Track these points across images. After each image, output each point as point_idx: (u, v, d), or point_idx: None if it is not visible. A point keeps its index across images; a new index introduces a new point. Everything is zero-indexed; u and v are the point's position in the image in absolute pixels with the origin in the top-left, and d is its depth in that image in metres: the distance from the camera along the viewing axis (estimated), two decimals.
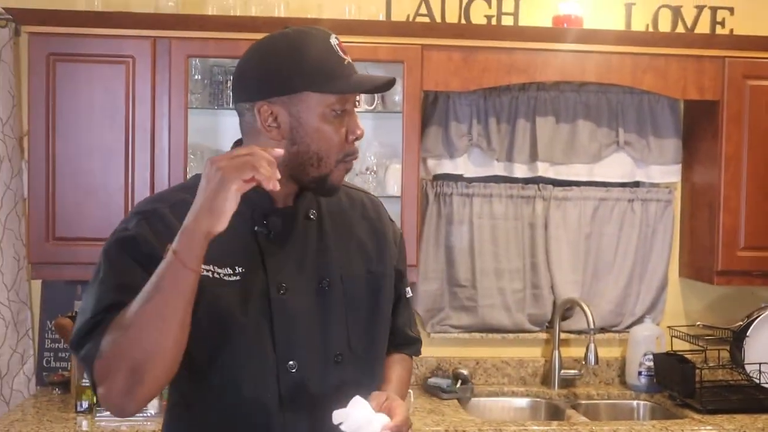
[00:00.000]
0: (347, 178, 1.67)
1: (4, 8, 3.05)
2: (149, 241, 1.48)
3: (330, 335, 1.59)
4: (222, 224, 1.34)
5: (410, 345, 1.84)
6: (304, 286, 1.58)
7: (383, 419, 1.48)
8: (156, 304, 1.36)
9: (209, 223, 1.34)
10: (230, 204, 1.34)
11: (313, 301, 1.58)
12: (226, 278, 1.51)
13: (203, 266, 1.43)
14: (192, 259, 1.36)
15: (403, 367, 1.81)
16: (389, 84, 1.58)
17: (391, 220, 1.81)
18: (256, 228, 1.56)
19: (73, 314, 3.13)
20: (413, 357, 1.88)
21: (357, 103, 1.61)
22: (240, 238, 1.54)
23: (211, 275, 1.50)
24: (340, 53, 1.52)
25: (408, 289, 1.81)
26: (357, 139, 1.56)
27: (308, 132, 1.51)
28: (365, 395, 1.55)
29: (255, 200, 1.54)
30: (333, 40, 1.53)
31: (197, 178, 1.64)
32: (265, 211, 1.57)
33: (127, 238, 1.49)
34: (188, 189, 1.57)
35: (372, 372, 1.68)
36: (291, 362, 1.54)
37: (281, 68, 1.50)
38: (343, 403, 1.50)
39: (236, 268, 1.52)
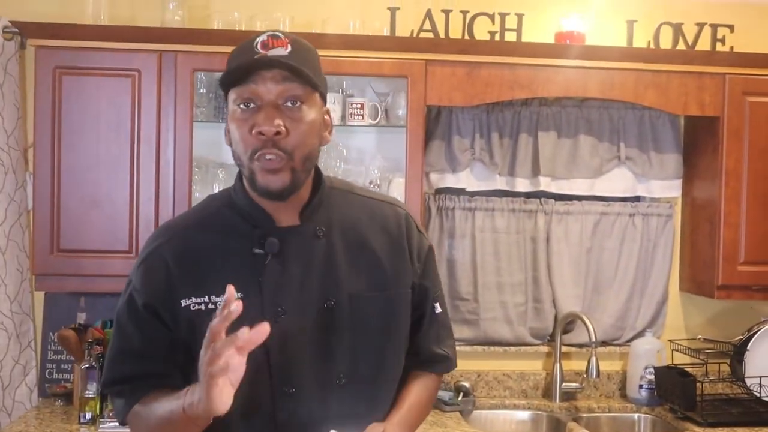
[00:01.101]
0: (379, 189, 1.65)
1: (10, 21, 3.07)
2: (148, 293, 1.55)
3: (333, 357, 1.55)
4: (223, 410, 1.30)
5: (436, 363, 1.74)
6: (306, 307, 1.54)
7: None
8: (171, 427, 1.45)
9: (212, 411, 1.31)
10: (225, 401, 1.30)
11: (314, 323, 1.54)
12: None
13: (196, 300, 1.50)
14: (202, 420, 1.38)
15: (424, 388, 1.72)
16: (280, 65, 1.45)
17: (420, 231, 1.72)
18: (254, 249, 1.54)
19: (76, 326, 3.14)
20: (442, 374, 1.80)
21: (295, 102, 1.48)
22: (240, 261, 1.54)
23: (204, 308, 1.51)
24: (257, 49, 1.47)
25: (437, 304, 1.72)
26: (262, 134, 1.46)
27: (230, 132, 1.53)
28: (371, 419, 1.54)
29: (257, 220, 1.56)
30: (260, 38, 1.49)
31: (210, 199, 1.68)
32: (265, 231, 1.55)
33: (131, 300, 1.57)
34: (194, 213, 1.65)
35: (379, 396, 1.63)
36: (288, 386, 1.52)
37: None
38: (350, 422, 1.48)
39: (236, 294, 1.48)
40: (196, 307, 1.51)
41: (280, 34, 1.51)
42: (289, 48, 1.49)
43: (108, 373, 1.60)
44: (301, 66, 1.48)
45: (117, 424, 2.78)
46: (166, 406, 1.44)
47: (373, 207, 1.68)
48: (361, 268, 1.60)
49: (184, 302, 1.52)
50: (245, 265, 1.53)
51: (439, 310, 1.73)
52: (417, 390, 1.70)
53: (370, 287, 1.60)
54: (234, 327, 1.47)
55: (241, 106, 1.49)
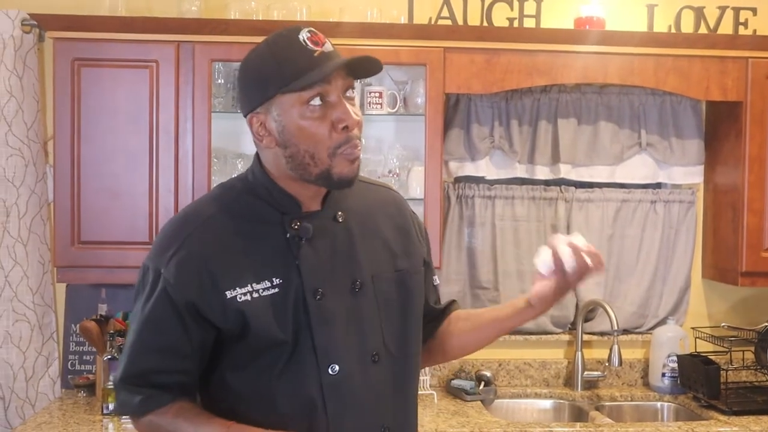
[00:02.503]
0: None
1: (29, 14, 3.08)
2: (188, 290, 1.53)
3: (366, 335, 1.61)
4: None
5: (449, 308, 1.87)
6: (338, 288, 1.59)
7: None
8: None
9: None
10: None
11: (347, 304, 1.59)
12: (264, 293, 1.54)
13: (241, 290, 1.52)
14: None
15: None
16: (361, 62, 1.52)
17: (412, 212, 1.81)
18: (288, 234, 1.57)
19: (98, 317, 3.15)
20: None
21: (352, 91, 1.55)
22: (273, 246, 1.57)
23: (250, 297, 1.53)
24: (310, 46, 1.50)
25: (435, 277, 1.83)
26: (348, 127, 1.51)
27: (293, 132, 1.51)
28: (403, 393, 1.64)
29: (285, 206, 1.59)
30: (303, 35, 1.51)
31: (225, 188, 1.68)
32: (295, 217, 1.58)
33: (165, 296, 1.54)
34: (214, 201, 1.64)
35: (407, 370, 1.69)
36: (332, 365, 1.56)
37: (255, 79, 1.54)
38: (385, 397, 1.60)
39: (273, 279, 1.54)
40: (243, 297, 1.53)
41: (314, 29, 1.54)
42: (328, 42, 1.54)
43: (130, 366, 1.58)
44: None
45: None
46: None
47: (374, 192, 1.76)
48: (377, 251, 1.67)
49: (229, 294, 1.53)
50: (280, 250, 1.56)
51: (437, 282, 1.85)
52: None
53: (387, 267, 1.67)
54: (280, 313, 1.54)
55: (311, 103, 1.50)
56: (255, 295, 1.53)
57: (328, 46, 1.52)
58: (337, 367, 1.56)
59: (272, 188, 1.59)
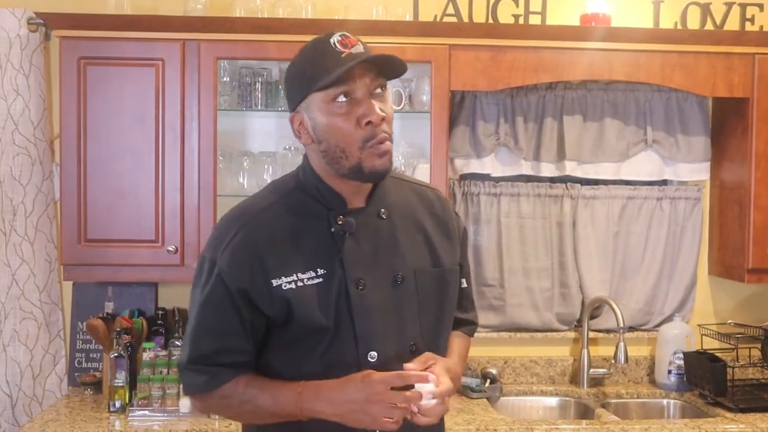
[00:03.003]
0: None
1: (35, 13, 3.09)
2: (240, 278, 1.64)
3: (405, 326, 1.70)
4: None
5: (462, 326, 1.94)
6: (380, 281, 1.68)
7: (427, 387, 1.60)
8: (271, 416, 1.67)
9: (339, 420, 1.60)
10: None
11: (389, 295, 1.69)
12: (309, 282, 1.64)
13: (286, 279, 1.62)
14: (311, 415, 1.62)
15: (462, 341, 1.92)
16: (378, 60, 1.60)
17: (456, 214, 1.90)
18: (332, 229, 1.67)
19: (104, 315, 3.16)
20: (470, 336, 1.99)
21: (382, 89, 1.65)
22: (319, 239, 1.67)
23: (295, 286, 1.63)
24: (338, 48, 1.60)
25: (463, 279, 1.89)
26: (372, 123, 1.60)
27: (324, 128, 1.63)
28: None
29: (331, 202, 1.69)
30: (334, 38, 1.62)
31: (276, 185, 1.77)
32: (339, 212, 1.68)
33: (220, 283, 1.65)
34: (267, 197, 1.73)
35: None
36: (371, 353, 1.65)
37: (293, 81, 1.68)
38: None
39: (318, 270, 1.65)
40: (288, 286, 1.63)
41: (347, 33, 1.64)
42: (360, 44, 1.63)
43: (193, 349, 1.68)
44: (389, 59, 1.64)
45: (146, 412, 2.82)
46: (268, 399, 1.64)
47: (419, 191, 1.85)
48: (419, 247, 1.76)
49: (275, 282, 1.63)
50: (325, 244, 1.67)
51: (465, 285, 1.90)
52: (458, 341, 1.90)
53: (428, 263, 1.76)
54: (323, 302, 1.63)
55: (338, 100, 1.60)
56: (300, 284, 1.63)
57: (357, 48, 1.61)
58: (375, 355, 1.65)
59: (319, 186, 1.70)
